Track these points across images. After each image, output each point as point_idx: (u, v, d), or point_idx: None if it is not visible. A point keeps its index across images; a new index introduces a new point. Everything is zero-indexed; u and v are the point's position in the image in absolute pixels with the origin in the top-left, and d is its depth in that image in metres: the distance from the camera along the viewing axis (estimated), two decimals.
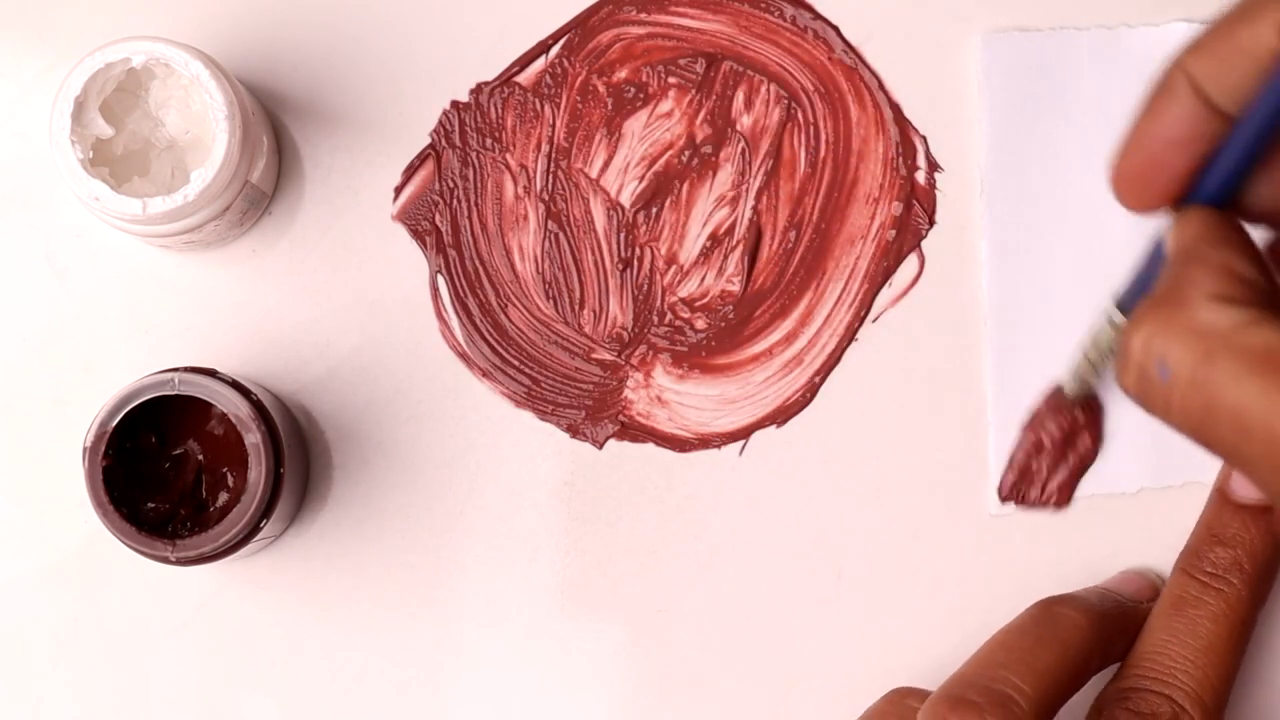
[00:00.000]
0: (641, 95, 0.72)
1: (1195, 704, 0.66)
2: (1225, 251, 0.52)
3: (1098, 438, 0.70)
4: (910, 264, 0.72)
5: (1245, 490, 0.69)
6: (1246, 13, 0.52)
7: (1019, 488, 0.71)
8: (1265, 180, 0.54)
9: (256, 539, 0.67)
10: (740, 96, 0.72)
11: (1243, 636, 0.67)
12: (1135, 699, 0.66)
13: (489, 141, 0.71)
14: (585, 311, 0.72)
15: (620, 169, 0.72)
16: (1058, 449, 0.70)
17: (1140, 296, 0.58)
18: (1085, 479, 0.71)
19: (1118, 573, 0.71)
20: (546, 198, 0.71)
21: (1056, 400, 0.70)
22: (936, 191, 0.72)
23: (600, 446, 0.71)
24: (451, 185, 0.72)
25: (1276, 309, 0.50)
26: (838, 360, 0.72)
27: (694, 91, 0.72)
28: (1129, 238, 0.71)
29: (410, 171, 0.72)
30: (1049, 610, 0.66)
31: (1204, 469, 0.71)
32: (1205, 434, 0.50)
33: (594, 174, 0.71)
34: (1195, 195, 0.54)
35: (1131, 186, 0.55)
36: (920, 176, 0.72)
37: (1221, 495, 0.69)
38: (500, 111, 0.71)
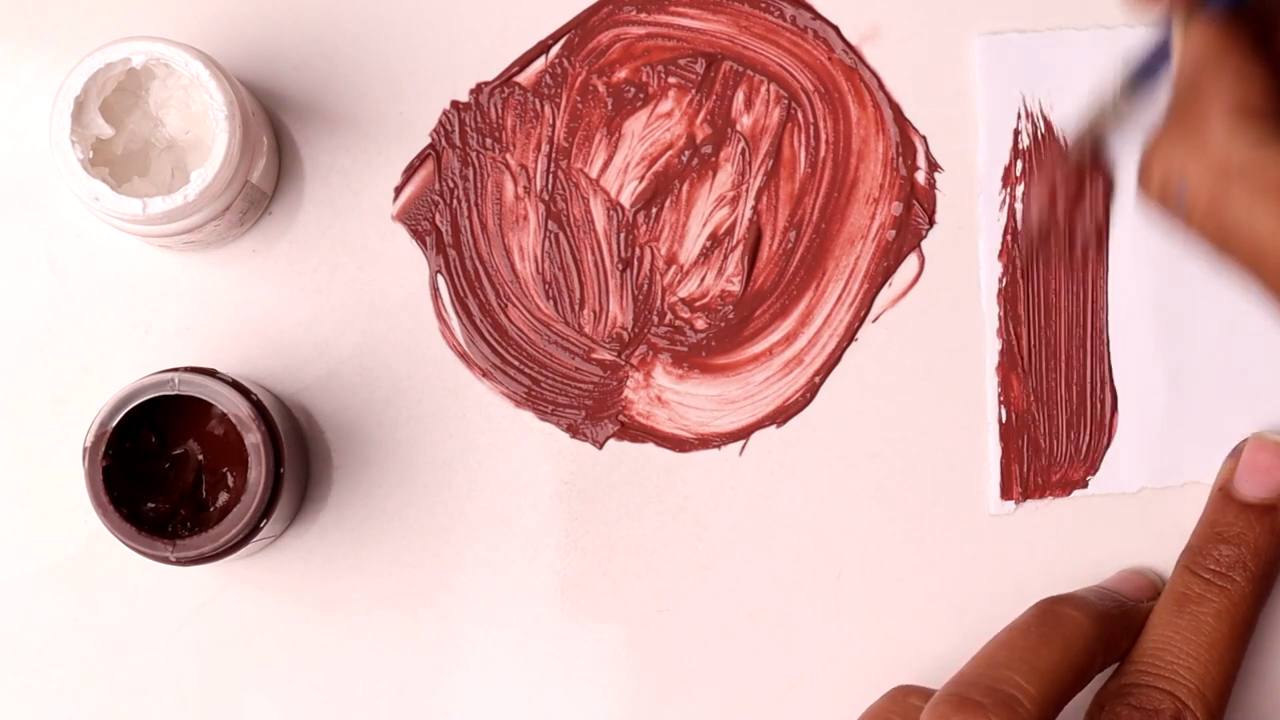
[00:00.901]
0: (641, 95, 0.72)
1: (1198, 700, 0.66)
2: (1237, 58, 0.53)
3: (1109, 178, 0.70)
4: (910, 264, 0.72)
5: (1248, 489, 0.69)
6: None
7: (1043, 244, 0.70)
8: None
9: (256, 539, 0.67)
10: (740, 96, 0.72)
11: (1245, 634, 0.67)
12: (1138, 695, 0.66)
13: (489, 141, 0.71)
14: (585, 311, 0.72)
15: (620, 169, 0.72)
16: (1071, 195, 0.70)
17: (1144, 77, 0.59)
18: (1092, 480, 0.71)
19: (1117, 572, 0.71)
20: (546, 198, 0.71)
21: (1060, 157, 0.70)
22: (936, 191, 0.72)
23: (600, 446, 0.71)
24: (451, 185, 0.72)
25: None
26: (838, 360, 0.72)
27: (694, 91, 0.72)
28: (1127, 237, 0.71)
29: (410, 171, 0.72)
30: (1051, 610, 0.66)
31: (1204, 469, 0.71)
32: (1223, 250, 0.52)
33: (594, 174, 0.72)
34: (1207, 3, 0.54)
35: None
36: (920, 176, 0.72)
37: (1224, 493, 0.69)
38: (500, 111, 0.71)
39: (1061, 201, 0.69)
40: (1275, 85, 0.53)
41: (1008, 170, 0.72)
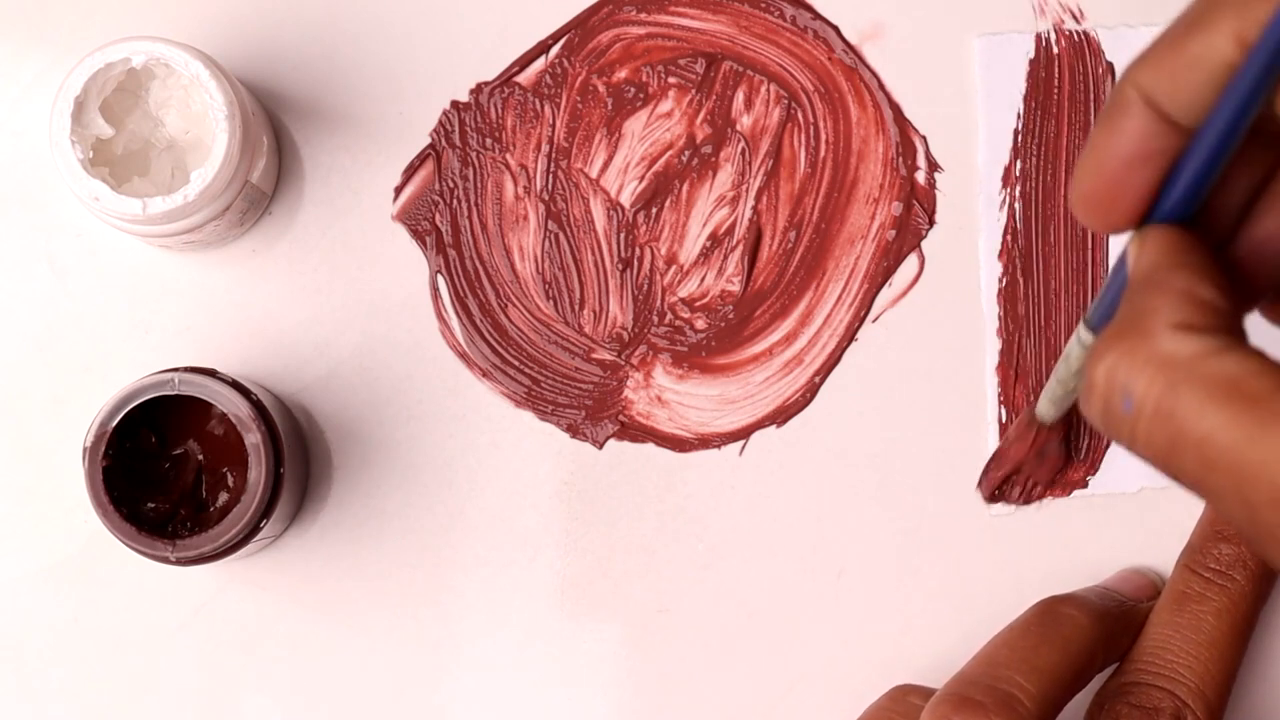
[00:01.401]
0: (641, 95, 0.72)
1: (1198, 699, 0.66)
2: (1185, 275, 0.50)
3: (1066, 453, 0.70)
4: (910, 264, 0.72)
5: None
6: (1198, 22, 0.49)
7: (996, 494, 0.71)
8: (1228, 194, 0.52)
9: (256, 539, 0.67)
10: (740, 96, 0.72)
11: (1245, 632, 0.67)
12: (1138, 693, 0.66)
13: (489, 141, 0.71)
14: (585, 311, 0.72)
15: (620, 169, 0.72)
16: (1030, 467, 0.70)
17: (1108, 317, 0.56)
18: (1092, 480, 0.71)
19: (1117, 572, 0.71)
20: (546, 198, 0.71)
21: (1027, 423, 0.70)
22: (936, 191, 0.72)
23: (600, 446, 0.71)
24: (451, 185, 0.72)
25: (1239, 333, 0.49)
26: (838, 360, 0.72)
27: (694, 91, 0.72)
28: (1123, 239, 0.71)
29: (410, 171, 0.72)
30: (1051, 609, 0.66)
31: None
32: (1171, 465, 0.48)
33: (594, 174, 0.72)
34: (1156, 213, 0.52)
35: (1093, 208, 0.52)
36: (920, 176, 0.72)
37: None
38: (500, 111, 0.71)
39: (1030, 459, 0.70)
40: (1226, 299, 0.50)
41: (1008, 170, 0.72)
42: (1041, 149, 0.71)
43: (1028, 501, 0.71)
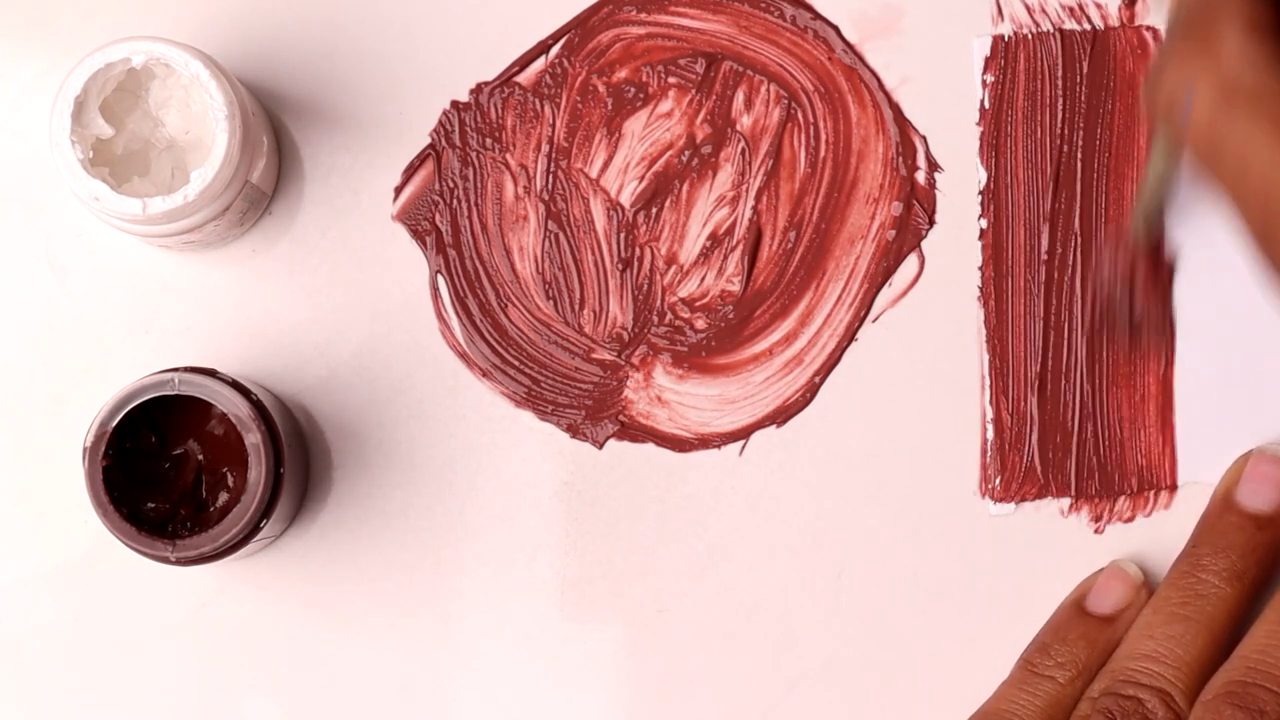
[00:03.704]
0: (641, 95, 0.72)
1: (1187, 702, 0.66)
2: None
3: (1161, 272, 0.70)
4: (910, 264, 0.72)
5: (1250, 500, 0.69)
6: None
7: (1106, 326, 0.70)
8: None
9: (256, 539, 0.67)
10: (740, 96, 0.72)
11: (1233, 639, 0.67)
12: (1126, 702, 0.66)
13: (489, 141, 0.71)
14: (585, 311, 0.72)
15: (620, 169, 0.72)
16: (1132, 277, 0.70)
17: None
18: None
19: (1107, 565, 0.71)
20: (546, 198, 0.71)
21: (1121, 241, 0.70)
22: (936, 191, 0.72)
23: (600, 446, 0.71)
24: (451, 185, 0.72)
25: None
26: (838, 360, 0.72)
27: (694, 91, 0.72)
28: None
29: (410, 171, 0.72)
30: None
31: (1205, 469, 0.71)
32: (1211, 163, 0.54)
33: (594, 174, 0.71)
34: None
35: None
36: (920, 176, 0.72)
37: (1225, 501, 0.69)
38: (500, 111, 0.71)
39: (1123, 284, 0.70)
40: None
41: (992, 172, 0.72)
42: (1031, 149, 0.71)
43: (1134, 333, 0.70)
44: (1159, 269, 0.70)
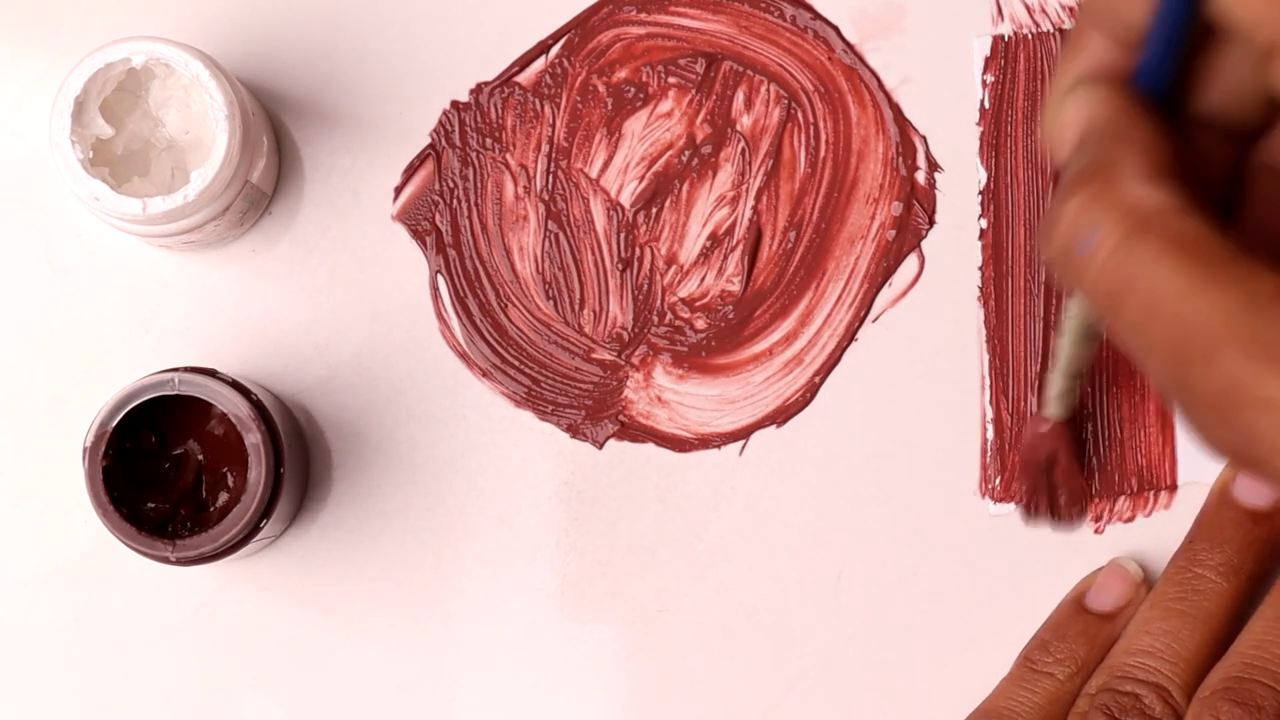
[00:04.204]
0: (641, 95, 0.72)
1: (1186, 699, 0.66)
2: (1146, 128, 0.52)
3: (1072, 456, 0.70)
4: (910, 264, 0.72)
5: (1247, 495, 0.69)
6: None
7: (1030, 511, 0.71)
8: (1205, 84, 0.54)
9: (256, 539, 0.67)
10: (740, 96, 0.72)
11: (1232, 636, 0.68)
12: (1124, 699, 0.66)
13: (489, 141, 0.71)
14: (585, 311, 0.72)
15: (620, 169, 0.72)
16: (1042, 474, 0.70)
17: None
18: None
19: (1107, 563, 0.71)
20: (546, 198, 0.71)
21: (1035, 427, 0.70)
22: (936, 191, 0.72)
23: (600, 446, 0.71)
24: (451, 185, 0.72)
25: (1189, 191, 0.51)
26: (838, 360, 0.72)
27: (694, 91, 0.72)
28: None
29: (410, 171, 0.72)
30: None
31: (1204, 469, 0.71)
32: (1115, 308, 0.51)
33: (594, 174, 0.72)
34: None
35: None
36: (920, 176, 0.72)
37: (1222, 496, 0.69)
38: (500, 111, 0.71)
39: (1041, 471, 0.70)
40: (1179, 162, 0.53)
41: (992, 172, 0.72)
42: (1031, 149, 0.72)
43: (1062, 518, 0.71)
44: (1076, 452, 0.70)
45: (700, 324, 0.72)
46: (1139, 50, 0.53)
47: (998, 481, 0.71)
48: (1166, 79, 0.54)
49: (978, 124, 0.72)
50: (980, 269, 0.71)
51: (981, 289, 0.71)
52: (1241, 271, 0.50)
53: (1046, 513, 0.70)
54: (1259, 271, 0.50)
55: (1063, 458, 0.70)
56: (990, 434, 0.71)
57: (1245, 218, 0.56)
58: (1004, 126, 0.71)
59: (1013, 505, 0.71)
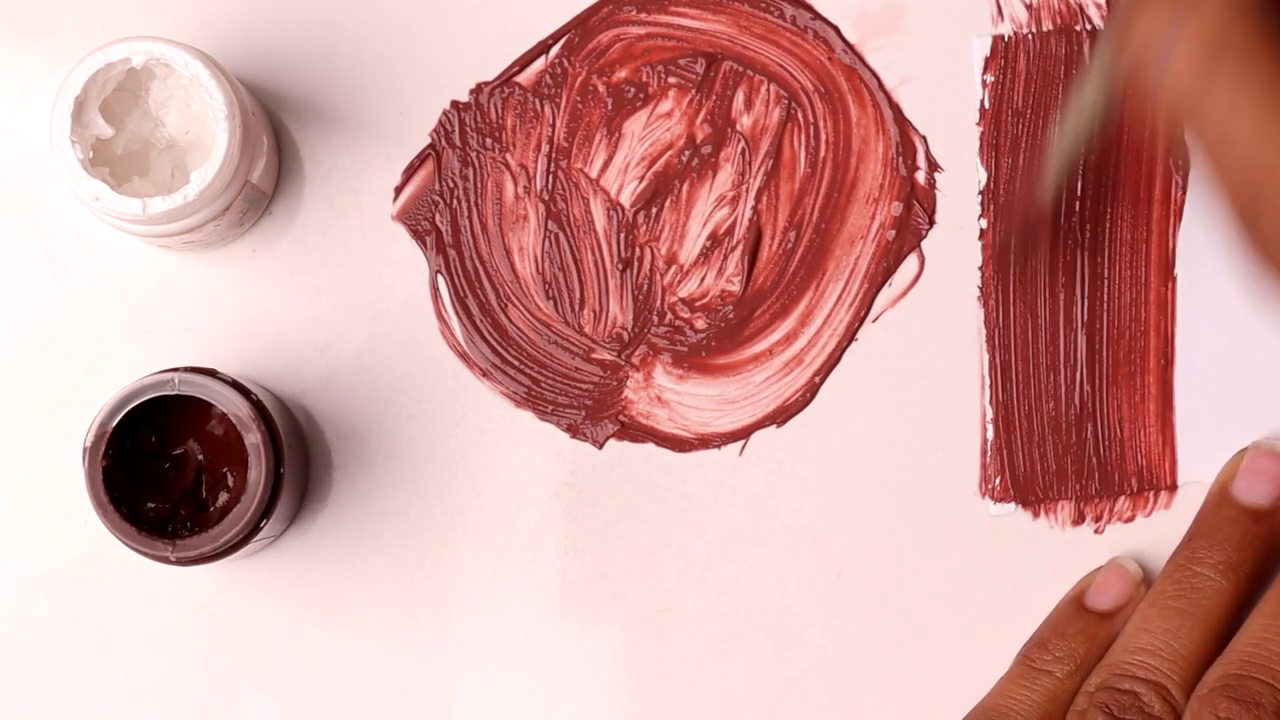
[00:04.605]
0: (641, 95, 0.72)
1: (1184, 696, 0.66)
2: None
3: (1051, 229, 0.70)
4: (910, 264, 0.72)
5: (1246, 494, 0.69)
6: None
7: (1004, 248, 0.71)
8: None
9: (256, 539, 0.67)
10: (740, 96, 0.72)
11: (1230, 633, 0.68)
12: (1123, 696, 0.66)
13: (489, 141, 0.71)
14: (585, 311, 0.72)
15: (620, 169, 0.72)
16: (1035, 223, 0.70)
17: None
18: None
19: (1106, 562, 0.71)
20: (546, 198, 0.71)
21: (1035, 186, 0.70)
22: (936, 191, 0.72)
23: (600, 446, 0.71)
24: (451, 185, 0.72)
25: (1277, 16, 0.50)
26: (838, 360, 0.72)
27: (694, 91, 0.72)
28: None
29: (410, 171, 0.72)
30: None
31: (1204, 469, 0.71)
32: (1188, 124, 0.50)
33: (594, 174, 0.72)
34: None
35: None
36: (920, 176, 0.72)
37: (1222, 496, 0.69)
38: (500, 111, 0.71)
39: (1027, 228, 0.70)
40: None
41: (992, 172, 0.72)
42: (1027, 147, 0.72)
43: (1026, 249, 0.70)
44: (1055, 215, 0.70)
45: (700, 324, 0.72)
46: None
47: (998, 481, 0.71)
48: None
49: (978, 124, 0.72)
50: (980, 269, 0.72)
51: (981, 289, 0.71)
52: None
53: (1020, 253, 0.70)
54: None
55: (1044, 227, 0.69)
56: (990, 434, 0.71)
57: None
58: (1004, 126, 0.71)
59: (1013, 505, 0.71)
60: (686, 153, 0.72)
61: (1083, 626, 0.69)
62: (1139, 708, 0.66)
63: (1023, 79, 0.72)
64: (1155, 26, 0.50)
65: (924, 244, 0.72)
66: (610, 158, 0.72)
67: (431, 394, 0.71)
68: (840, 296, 0.72)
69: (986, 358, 0.71)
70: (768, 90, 0.72)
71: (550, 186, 0.71)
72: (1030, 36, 0.71)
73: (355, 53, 0.71)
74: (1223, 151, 0.49)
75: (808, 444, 0.71)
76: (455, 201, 0.71)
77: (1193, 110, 0.49)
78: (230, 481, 0.68)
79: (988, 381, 0.71)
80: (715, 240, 0.72)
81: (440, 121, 0.72)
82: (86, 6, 0.71)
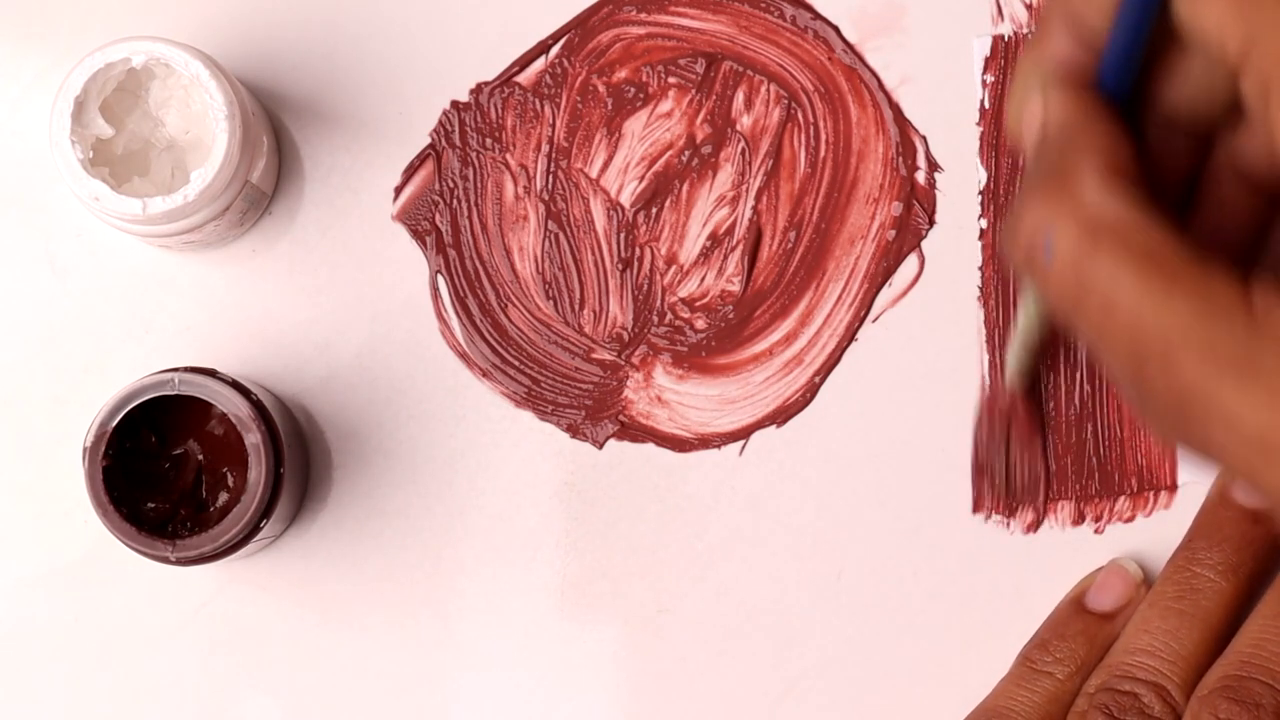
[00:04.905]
0: (641, 95, 0.72)
1: (1184, 697, 0.66)
2: (1107, 126, 0.53)
3: (1036, 424, 0.70)
4: (910, 264, 0.72)
5: (1246, 495, 0.69)
6: None
7: (981, 478, 0.71)
8: (1166, 84, 0.55)
9: (256, 539, 0.67)
10: (740, 96, 0.72)
11: (1231, 634, 0.68)
12: (1123, 698, 0.66)
13: (489, 141, 0.71)
14: (585, 311, 0.72)
15: (620, 169, 0.72)
16: (1001, 441, 0.70)
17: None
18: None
19: (1107, 563, 0.71)
20: (546, 198, 0.71)
21: (995, 399, 0.70)
22: (936, 191, 0.72)
23: (600, 446, 0.71)
24: (451, 185, 0.72)
25: (1148, 194, 0.52)
26: (838, 360, 0.72)
27: (694, 91, 0.72)
28: None
29: (410, 171, 0.72)
30: None
31: (1204, 469, 0.71)
32: (1075, 313, 0.52)
33: (594, 174, 0.72)
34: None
35: (1023, 125, 0.56)
36: (920, 176, 0.72)
37: (1221, 495, 0.69)
38: (500, 111, 0.71)
39: (999, 442, 0.70)
40: (1137, 164, 0.53)
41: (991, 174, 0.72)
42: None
43: (1014, 492, 0.71)
44: (1033, 422, 0.70)
45: (700, 324, 0.72)
46: (1100, 50, 0.54)
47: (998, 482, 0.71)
48: (1127, 81, 0.54)
49: (978, 124, 0.72)
50: (980, 269, 0.72)
51: (981, 289, 0.72)
52: (1198, 279, 0.50)
53: (1003, 486, 0.70)
54: (1215, 279, 0.50)
55: (1019, 429, 0.70)
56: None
57: (1203, 217, 0.56)
58: (1004, 126, 0.71)
59: (992, 515, 0.71)
60: (686, 153, 0.72)
61: (1083, 628, 0.69)
62: (1139, 709, 0.66)
63: None
64: (1036, 223, 0.52)
65: (924, 244, 0.72)
66: (610, 158, 0.72)
67: (431, 394, 0.71)
68: (840, 296, 0.72)
69: (986, 357, 0.71)
70: (768, 90, 0.72)
71: (550, 186, 0.72)
72: (1030, 36, 0.71)
73: (355, 53, 0.71)
74: (1106, 326, 0.51)
75: (808, 444, 0.71)
76: (455, 201, 0.71)
77: (1076, 293, 0.52)
78: (230, 481, 0.68)
79: (988, 381, 0.71)
80: (715, 240, 0.72)
81: (440, 121, 0.72)
82: (86, 6, 0.71)
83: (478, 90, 0.72)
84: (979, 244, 0.72)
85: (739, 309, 0.72)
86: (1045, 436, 0.71)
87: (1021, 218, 0.53)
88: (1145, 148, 0.55)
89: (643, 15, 0.72)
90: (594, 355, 0.72)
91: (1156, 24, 0.53)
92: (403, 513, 0.71)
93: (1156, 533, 0.71)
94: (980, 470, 0.71)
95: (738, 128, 0.72)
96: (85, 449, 0.65)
